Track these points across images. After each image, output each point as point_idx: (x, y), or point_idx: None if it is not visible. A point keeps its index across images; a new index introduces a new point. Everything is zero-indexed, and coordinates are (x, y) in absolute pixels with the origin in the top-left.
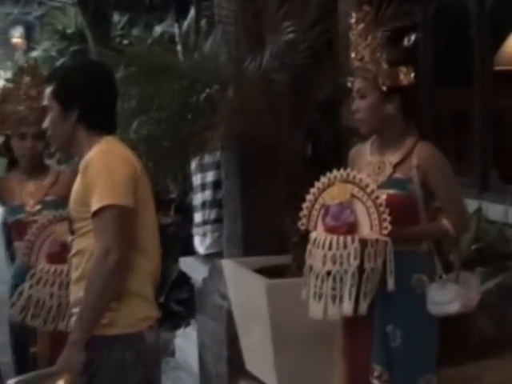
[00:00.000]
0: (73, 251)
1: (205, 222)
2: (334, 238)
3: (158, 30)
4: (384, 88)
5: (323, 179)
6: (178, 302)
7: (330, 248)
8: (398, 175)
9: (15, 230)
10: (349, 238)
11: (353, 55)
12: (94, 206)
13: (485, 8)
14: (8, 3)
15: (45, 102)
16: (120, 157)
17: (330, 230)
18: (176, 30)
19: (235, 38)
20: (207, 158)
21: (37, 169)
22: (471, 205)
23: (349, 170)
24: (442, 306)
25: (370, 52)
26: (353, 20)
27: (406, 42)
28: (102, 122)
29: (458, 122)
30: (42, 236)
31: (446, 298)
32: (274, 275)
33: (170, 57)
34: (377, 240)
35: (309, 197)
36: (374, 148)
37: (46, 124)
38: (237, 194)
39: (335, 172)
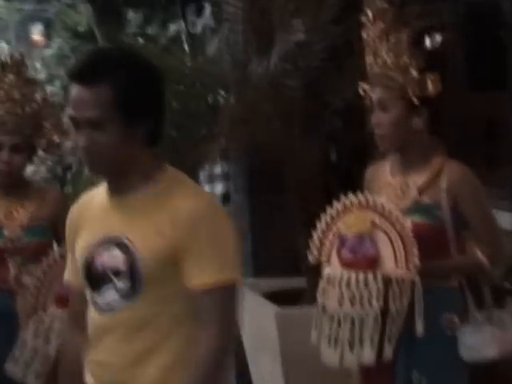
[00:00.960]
0: (123, 313)
1: None
2: (353, 274)
3: (173, 28)
4: (414, 99)
5: (337, 205)
6: None
7: (347, 286)
8: (424, 199)
9: None
10: (370, 275)
11: (370, 60)
12: (207, 278)
13: None
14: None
15: (84, 111)
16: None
17: (347, 264)
18: (182, 28)
19: (243, 38)
20: (216, 168)
21: (15, 186)
22: (505, 218)
23: (367, 194)
24: (477, 350)
25: (395, 57)
26: (369, 18)
27: (430, 44)
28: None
29: (491, 128)
30: (52, 273)
31: (482, 340)
32: (286, 301)
33: (166, 58)
34: (403, 277)
35: (320, 225)
36: (394, 167)
37: (84, 142)
38: (245, 210)
39: (351, 196)
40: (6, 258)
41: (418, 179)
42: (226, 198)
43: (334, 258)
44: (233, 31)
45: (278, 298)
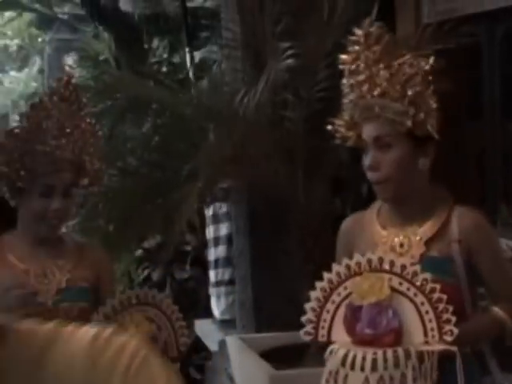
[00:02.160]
0: None
1: (218, 283)
2: (379, 353)
3: (197, 55)
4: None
5: (338, 268)
6: (197, 367)
7: (373, 368)
8: (432, 253)
9: None
10: (401, 352)
11: (363, 89)
12: None
13: None
14: (63, 30)
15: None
16: None
17: (366, 342)
18: (187, 58)
19: (241, 65)
20: (221, 208)
21: (51, 239)
22: None
23: (381, 252)
24: None
25: (397, 85)
26: (360, 40)
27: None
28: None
29: None
30: None
31: None
32: (285, 359)
33: (157, 90)
34: (433, 351)
35: (315, 294)
36: (385, 218)
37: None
38: (246, 255)
39: (357, 257)
40: None
41: (423, 230)
42: (230, 240)
43: (341, 334)
44: (232, 59)
45: (278, 355)
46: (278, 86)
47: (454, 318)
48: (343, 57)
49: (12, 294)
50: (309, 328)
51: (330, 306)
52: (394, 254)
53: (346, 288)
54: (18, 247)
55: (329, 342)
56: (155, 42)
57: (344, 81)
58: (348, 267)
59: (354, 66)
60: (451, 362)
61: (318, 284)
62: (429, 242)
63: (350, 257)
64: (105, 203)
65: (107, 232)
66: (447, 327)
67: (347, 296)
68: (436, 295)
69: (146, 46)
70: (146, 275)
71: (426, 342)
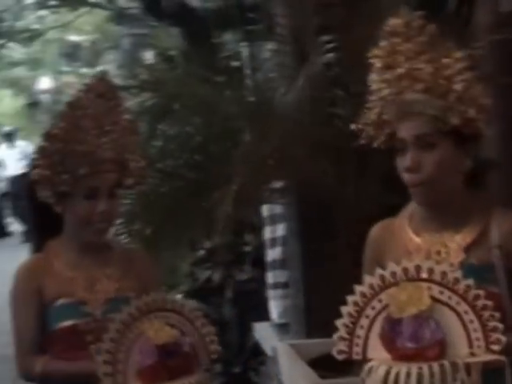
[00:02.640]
0: None
1: (275, 286)
2: (424, 367)
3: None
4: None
5: (371, 280)
6: (257, 372)
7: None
8: (471, 261)
9: (60, 341)
10: (447, 365)
11: (403, 84)
12: None
13: None
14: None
15: None
16: None
17: (408, 356)
18: (243, 53)
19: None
20: (278, 208)
21: (97, 249)
22: None
23: (417, 260)
24: None
25: (444, 81)
26: (397, 29)
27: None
28: None
29: None
30: (126, 341)
31: None
32: (335, 366)
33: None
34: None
35: (347, 309)
36: (417, 224)
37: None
38: (298, 258)
39: (392, 266)
40: (88, 342)
41: (461, 237)
42: (286, 241)
43: (379, 349)
44: (282, 54)
45: (328, 362)
46: (325, 82)
47: (501, 326)
48: (376, 51)
49: (59, 303)
50: (342, 346)
51: (364, 321)
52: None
53: (380, 301)
54: (65, 254)
55: (364, 360)
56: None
57: (373, 76)
58: (382, 278)
59: (390, 60)
60: (496, 372)
61: (350, 298)
62: (467, 249)
63: (380, 267)
64: (142, 206)
65: (144, 236)
66: (494, 336)
67: (383, 309)
68: (480, 302)
69: (216, 40)
70: (207, 276)
71: (472, 353)
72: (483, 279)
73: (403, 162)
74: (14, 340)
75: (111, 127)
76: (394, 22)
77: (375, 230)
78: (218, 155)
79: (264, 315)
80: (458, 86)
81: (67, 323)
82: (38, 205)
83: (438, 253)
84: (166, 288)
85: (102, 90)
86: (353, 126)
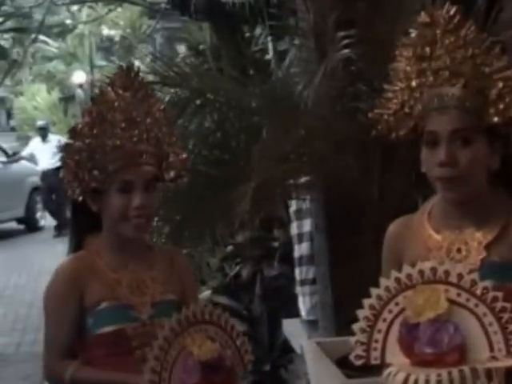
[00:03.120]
0: None
1: (302, 282)
2: (444, 374)
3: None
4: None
5: (387, 282)
6: (288, 369)
7: None
8: (492, 258)
9: (102, 346)
10: (467, 371)
11: (441, 76)
12: None
13: None
14: (173, 19)
15: None
16: None
17: (426, 362)
18: (270, 48)
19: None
20: (305, 203)
21: (139, 249)
22: None
23: (436, 259)
24: None
25: (481, 74)
26: (435, 20)
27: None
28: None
29: None
30: (169, 358)
31: None
32: (363, 365)
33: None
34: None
35: (364, 312)
36: (437, 221)
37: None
38: (325, 254)
39: (407, 269)
40: (133, 347)
41: (483, 234)
42: (312, 237)
43: (399, 357)
44: (304, 49)
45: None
46: (347, 76)
47: None
48: (407, 40)
49: (102, 307)
50: (359, 351)
51: (381, 325)
52: (450, 259)
53: (397, 304)
54: (107, 254)
55: (383, 365)
56: (258, 30)
57: (400, 65)
58: (398, 281)
59: (427, 50)
60: None
61: (366, 301)
62: (489, 246)
63: (399, 265)
64: (161, 203)
65: (163, 233)
66: None
67: (400, 312)
68: (499, 304)
69: (247, 35)
70: (236, 271)
71: (493, 357)
72: (505, 276)
73: (435, 156)
74: (45, 341)
75: (142, 119)
76: (433, 13)
77: (393, 228)
78: (239, 151)
79: (294, 312)
80: (498, 84)
81: (112, 328)
82: (75, 202)
83: (459, 250)
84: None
85: (127, 82)
86: (370, 115)
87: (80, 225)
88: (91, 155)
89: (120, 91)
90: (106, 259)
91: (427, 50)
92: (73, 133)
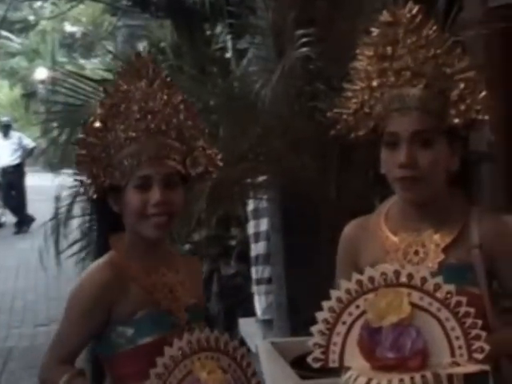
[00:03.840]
0: None
1: (258, 281)
2: (406, 379)
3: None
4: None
5: (348, 285)
6: None
7: None
8: (450, 261)
9: (145, 358)
10: (430, 377)
11: (403, 77)
12: None
13: None
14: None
15: None
16: None
17: (388, 367)
18: (229, 46)
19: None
20: (262, 202)
21: (161, 246)
22: None
23: (393, 261)
24: None
25: (444, 74)
26: (398, 20)
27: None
28: None
29: None
30: (173, 379)
31: None
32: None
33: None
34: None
35: (323, 315)
36: (395, 222)
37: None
38: (281, 254)
39: (370, 271)
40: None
41: (440, 236)
42: (269, 236)
43: (358, 360)
44: (261, 47)
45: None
46: (305, 75)
47: (483, 334)
48: (368, 39)
49: (139, 316)
50: (317, 353)
51: (340, 328)
52: (407, 262)
53: (358, 307)
54: (135, 256)
55: (341, 368)
56: (218, 29)
57: (360, 64)
58: (360, 283)
59: (389, 50)
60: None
61: (326, 303)
62: (447, 249)
63: (355, 267)
64: None
65: None
66: (476, 344)
67: (360, 315)
68: (462, 309)
69: (208, 33)
70: None
71: (454, 362)
72: (463, 279)
73: (395, 157)
74: (54, 340)
75: (160, 109)
76: (395, 12)
77: (349, 229)
78: None
79: (250, 311)
80: (459, 84)
81: (154, 337)
82: (96, 201)
83: (416, 253)
84: None
85: (141, 71)
86: (330, 115)
87: (105, 225)
88: (106, 150)
89: (134, 80)
90: (137, 262)
91: (389, 49)
92: (85, 128)
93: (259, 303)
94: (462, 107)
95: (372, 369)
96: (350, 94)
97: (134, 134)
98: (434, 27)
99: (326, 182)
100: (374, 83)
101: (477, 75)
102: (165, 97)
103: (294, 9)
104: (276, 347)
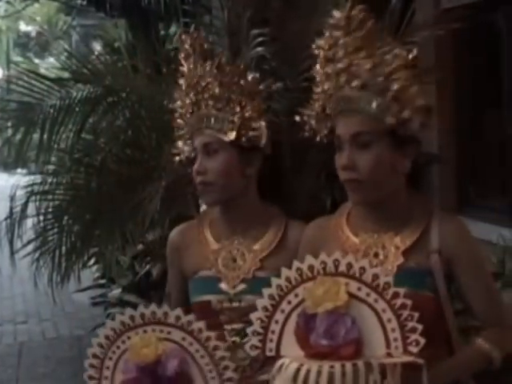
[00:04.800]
0: None
1: None
2: (337, 366)
3: None
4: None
5: (288, 273)
6: None
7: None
8: (409, 264)
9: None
10: (361, 365)
11: (339, 80)
12: None
13: None
14: (90, 16)
15: None
16: None
17: (321, 354)
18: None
19: (228, 54)
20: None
21: (242, 214)
22: None
23: (337, 254)
24: None
25: (379, 78)
26: (339, 24)
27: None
28: None
29: None
30: (112, 354)
31: None
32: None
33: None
34: (395, 364)
35: (262, 302)
36: (356, 223)
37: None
38: None
39: (310, 259)
40: (220, 322)
41: (400, 239)
42: None
43: (293, 347)
44: (217, 46)
45: None
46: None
47: (420, 327)
48: (319, 42)
49: (197, 276)
50: (255, 341)
51: (279, 316)
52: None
53: (297, 295)
54: (218, 224)
55: (278, 357)
56: (173, 28)
57: (318, 68)
58: (299, 271)
59: (331, 53)
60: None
61: (265, 291)
62: (407, 252)
63: None
64: (70, 201)
65: (73, 231)
66: (412, 337)
67: (299, 304)
68: (399, 301)
69: (162, 32)
70: (146, 270)
71: (389, 354)
72: (421, 283)
73: (340, 159)
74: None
75: (206, 83)
76: (335, 15)
77: (310, 229)
78: (150, 150)
79: None
80: (394, 85)
81: (200, 298)
82: None
83: (376, 255)
84: (107, 282)
85: (193, 47)
86: (297, 118)
87: None
88: (189, 132)
89: (191, 59)
90: (215, 229)
91: (331, 52)
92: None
93: None
94: (396, 108)
95: (306, 357)
96: (314, 96)
97: (190, 110)
98: (371, 27)
99: (280, 183)
100: (325, 86)
101: (412, 75)
102: (214, 72)
103: (249, 8)
104: None
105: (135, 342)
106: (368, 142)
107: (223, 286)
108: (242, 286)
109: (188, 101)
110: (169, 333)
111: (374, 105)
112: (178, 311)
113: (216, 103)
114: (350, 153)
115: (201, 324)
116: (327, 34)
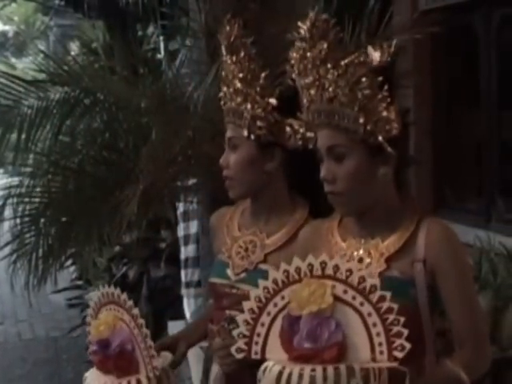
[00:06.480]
0: None
1: (188, 284)
2: (318, 369)
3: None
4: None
5: (275, 274)
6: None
7: None
8: (393, 273)
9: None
10: (343, 369)
11: (312, 92)
12: None
13: None
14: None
15: None
16: None
17: (304, 357)
18: (161, 46)
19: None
20: (192, 205)
21: (264, 205)
22: None
23: (324, 256)
24: None
25: (348, 88)
26: (305, 35)
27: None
28: None
29: None
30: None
31: None
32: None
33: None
34: (380, 369)
35: (248, 304)
36: (345, 228)
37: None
38: (211, 258)
39: (297, 262)
40: (223, 306)
41: (385, 245)
42: (199, 238)
43: (278, 350)
44: (196, 49)
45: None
46: None
47: (405, 332)
48: (292, 54)
49: (217, 258)
50: (241, 344)
51: (265, 319)
52: None
53: (283, 297)
54: (247, 213)
55: (263, 360)
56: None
57: (296, 80)
58: (286, 273)
59: (302, 66)
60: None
61: (252, 292)
62: (390, 260)
63: None
64: (47, 204)
65: (49, 235)
66: (398, 342)
67: (285, 306)
68: (385, 305)
69: (140, 33)
70: (123, 272)
71: (373, 359)
72: (403, 294)
73: (321, 171)
74: None
75: (233, 77)
76: (301, 26)
77: (305, 231)
78: (127, 152)
79: (180, 313)
80: (358, 95)
81: (212, 280)
82: None
83: (361, 260)
84: (84, 283)
85: (236, 46)
86: (287, 129)
87: None
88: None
89: (231, 54)
90: (243, 218)
91: (302, 65)
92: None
93: (188, 306)
94: (362, 119)
95: (289, 360)
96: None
97: (222, 103)
98: (334, 36)
99: None
100: (303, 98)
101: (378, 82)
102: (240, 66)
103: (226, 11)
104: (204, 351)
105: (97, 320)
106: (343, 155)
107: (229, 271)
108: (243, 275)
109: (221, 94)
110: (122, 314)
111: (344, 117)
112: (125, 295)
113: (237, 98)
114: (328, 165)
115: (135, 311)
116: (297, 45)
